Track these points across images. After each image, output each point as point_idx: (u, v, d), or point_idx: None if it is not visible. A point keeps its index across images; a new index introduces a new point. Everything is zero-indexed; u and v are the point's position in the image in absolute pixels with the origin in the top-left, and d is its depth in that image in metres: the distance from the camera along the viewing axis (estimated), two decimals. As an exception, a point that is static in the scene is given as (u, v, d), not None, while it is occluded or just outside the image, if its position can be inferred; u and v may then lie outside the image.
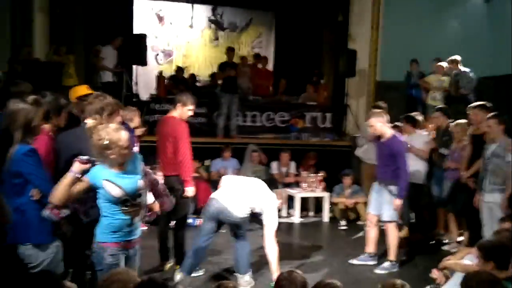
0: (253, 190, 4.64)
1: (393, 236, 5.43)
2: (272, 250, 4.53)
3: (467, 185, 5.64)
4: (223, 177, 5.09)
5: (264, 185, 4.73)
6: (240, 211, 4.50)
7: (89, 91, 4.72)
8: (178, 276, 4.63)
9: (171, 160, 4.84)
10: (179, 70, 10.80)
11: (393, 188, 5.28)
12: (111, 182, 2.99)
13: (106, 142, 2.91)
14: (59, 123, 3.72)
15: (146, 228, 6.04)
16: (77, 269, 3.56)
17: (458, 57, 8.81)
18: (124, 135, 2.98)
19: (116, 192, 3.01)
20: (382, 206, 5.40)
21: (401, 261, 5.60)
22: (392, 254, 5.44)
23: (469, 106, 5.96)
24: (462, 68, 8.76)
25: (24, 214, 2.88)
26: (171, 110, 5.05)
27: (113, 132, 2.96)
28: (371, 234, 5.62)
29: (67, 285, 2.53)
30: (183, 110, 4.94)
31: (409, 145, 6.08)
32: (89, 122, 2.99)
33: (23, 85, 4.09)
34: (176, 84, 10.05)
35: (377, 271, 5.37)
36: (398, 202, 5.27)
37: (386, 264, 5.43)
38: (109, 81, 9.10)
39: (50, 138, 3.44)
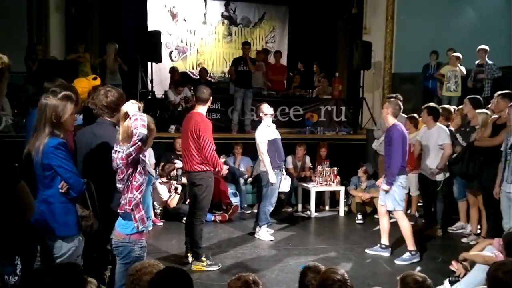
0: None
1: (403, 226, 5.40)
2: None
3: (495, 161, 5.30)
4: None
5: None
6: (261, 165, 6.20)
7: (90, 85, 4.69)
8: None
9: (193, 157, 4.86)
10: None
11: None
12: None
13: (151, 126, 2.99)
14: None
15: (161, 223, 6.09)
16: (97, 264, 3.57)
17: (486, 47, 8.45)
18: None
19: (152, 171, 3.06)
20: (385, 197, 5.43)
21: (420, 255, 5.53)
22: (409, 244, 5.40)
23: (496, 94, 5.83)
24: (489, 61, 8.49)
25: (51, 206, 2.93)
26: (196, 106, 5.07)
27: (148, 117, 3.03)
28: (381, 225, 5.64)
29: (88, 280, 2.52)
30: (208, 104, 5.03)
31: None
32: (128, 108, 3.03)
33: (57, 81, 4.07)
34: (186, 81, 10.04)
35: (397, 262, 5.32)
36: (385, 187, 5.30)
37: (406, 255, 5.39)
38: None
39: (71, 132, 3.47)
